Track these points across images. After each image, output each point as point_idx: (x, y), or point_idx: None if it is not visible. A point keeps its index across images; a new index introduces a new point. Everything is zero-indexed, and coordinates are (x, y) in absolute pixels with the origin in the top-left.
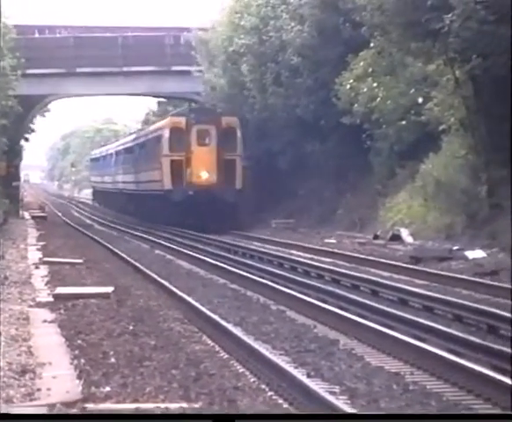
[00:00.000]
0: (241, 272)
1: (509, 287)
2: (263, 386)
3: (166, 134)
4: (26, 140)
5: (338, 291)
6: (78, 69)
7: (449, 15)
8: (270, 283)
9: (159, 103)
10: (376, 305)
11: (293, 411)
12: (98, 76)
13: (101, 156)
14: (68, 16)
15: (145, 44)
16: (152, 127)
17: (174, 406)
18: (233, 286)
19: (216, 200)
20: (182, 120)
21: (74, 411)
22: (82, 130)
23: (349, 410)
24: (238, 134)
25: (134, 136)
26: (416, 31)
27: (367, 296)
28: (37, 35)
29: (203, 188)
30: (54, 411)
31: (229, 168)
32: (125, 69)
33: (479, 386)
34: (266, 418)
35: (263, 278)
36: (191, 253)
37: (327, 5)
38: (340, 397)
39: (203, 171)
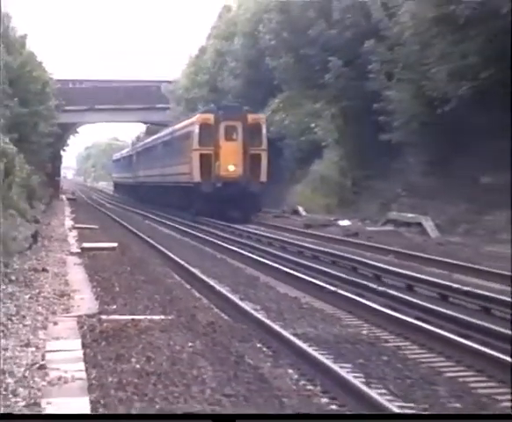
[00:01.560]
0: (201, 235)
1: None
2: (212, 306)
3: (196, 129)
4: (64, 150)
5: (259, 246)
6: (96, 107)
7: (328, 74)
8: (217, 241)
9: (147, 127)
10: (283, 255)
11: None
12: (108, 110)
13: (122, 157)
14: (89, 72)
15: (138, 91)
16: (180, 125)
17: (158, 317)
18: (194, 243)
19: (243, 192)
20: (211, 117)
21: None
22: (98, 144)
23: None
24: (264, 130)
25: (157, 136)
26: (308, 83)
27: (278, 250)
28: (70, 85)
29: (230, 180)
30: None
31: (254, 162)
32: (126, 106)
33: (341, 303)
34: (266, 417)
35: (213, 239)
36: (168, 222)
37: (252, 64)
38: (260, 312)
39: (230, 165)
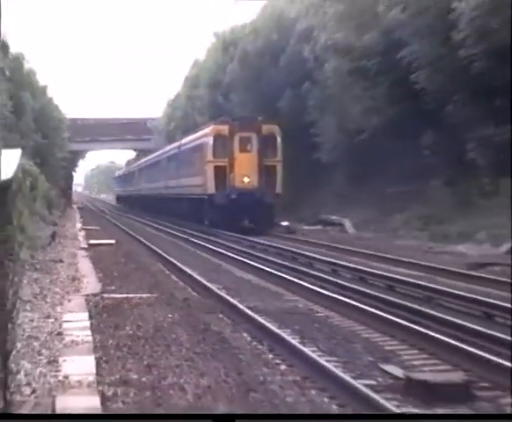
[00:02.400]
0: (179, 234)
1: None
2: (188, 288)
3: (210, 141)
4: (75, 171)
5: (217, 240)
6: (98, 138)
7: (281, 102)
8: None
9: (137, 153)
10: (240, 248)
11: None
12: (107, 141)
13: (123, 174)
14: (93, 112)
15: (130, 126)
16: (190, 138)
17: (146, 295)
18: (181, 243)
19: (257, 204)
20: (225, 128)
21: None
22: (100, 166)
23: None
24: (278, 140)
25: (161, 151)
26: (263, 112)
27: (235, 243)
28: (79, 122)
29: (245, 192)
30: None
31: (269, 173)
32: (120, 137)
33: (283, 284)
34: (267, 417)
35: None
36: (155, 225)
37: (214, 104)
38: (222, 290)
39: (245, 176)
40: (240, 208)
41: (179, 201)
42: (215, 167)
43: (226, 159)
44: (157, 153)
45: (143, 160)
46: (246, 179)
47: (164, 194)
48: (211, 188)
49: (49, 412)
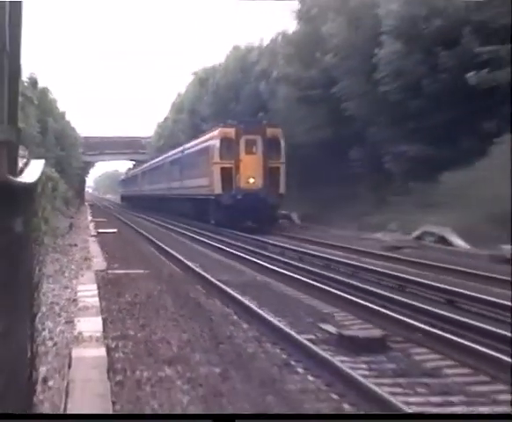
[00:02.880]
0: (173, 227)
1: None
2: (171, 264)
3: (217, 143)
4: (87, 177)
5: (200, 230)
6: (105, 152)
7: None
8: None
9: (134, 163)
10: (205, 233)
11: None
12: (112, 154)
13: (127, 178)
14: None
15: (129, 142)
16: (195, 142)
17: (140, 272)
18: (176, 236)
19: (262, 204)
20: (231, 131)
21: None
22: (106, 173)
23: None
24: (282, 143)
25: (165, 156)
26: None
27: (200, 235)
28: (90, 140)
29: (251, 192)
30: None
31: (273, 174)
32: (122, 151)
33: (246, 263)
34: (267, 417)
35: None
36: (151, 219)
37: (194, 126)
38: (198, 267)
39: (251, 177)
40: (246, 208)
41: (184, 201)
42: (222, 168)
43: (232, 161)
44: (157, 159)
45: (145, 165)
46: (252, 180)
47: (166, 194)
48: (218, 189)
49: (50, 412)
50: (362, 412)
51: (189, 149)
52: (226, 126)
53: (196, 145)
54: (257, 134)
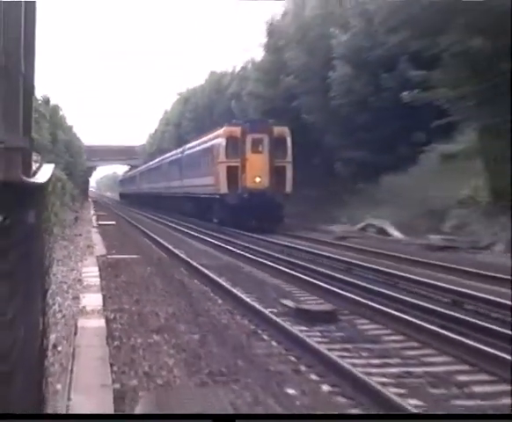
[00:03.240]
0: (165, 221)
1: None
2: (160, 251)
3: (223, 142)
4: (90, 178)
5: (190, 223)
6: (105, 158)
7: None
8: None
9: (130, 167)
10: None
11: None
12: (110, 160)
13: (129, 176)
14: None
15: (125, 149)
16: (198, 141)
17: (134, 257)
18: (172, 231)
19: (268, 203)
20: (237, 130)
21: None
22: (106, 175)
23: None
24: (289, 142)
25: (163, 156)
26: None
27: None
28: (92, 148)
29: (257, 192)
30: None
31: (279, 173)
32: (118, 157)
33: (221, 250)
34: (267, 418)
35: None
36: (143, 213)
37: (180, 139)
38: (182, 254)
39: (257, 177)
40: (251, 207)
41: (184, 200)
42: (228, 167)
43: (238, 160)
44: (155, 160)
45: (143, 167)
46: (258, 179)
47: (162, 193)
48: (224, 188)
49: (50, 412)
50: (362, 412)
51: (191, 149)
52: (231, 125)
53: (199, 145)
54: (263, 132)
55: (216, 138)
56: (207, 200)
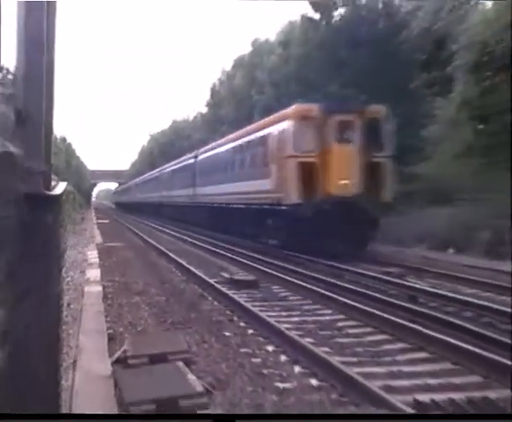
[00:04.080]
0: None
1: None
2: (141, 241)
3: (291, 127)
4: (92, 192)
5: (171, 224)
6: (102, 178)
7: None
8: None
9: (119, 184)
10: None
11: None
12: (106, 180)
13: (128, 186)
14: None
15: (114, 173)
16: (245, 130)
17: (121, 244)
18: (162, 233)
19: (359, 216)
20: (314, 108)
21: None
22: (103, 190)
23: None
24: (387, 127)
25: (162, 168)
26: None
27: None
28: (94, 172)
29: (344, 200)
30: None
31: (375, 173)
32: (112, 178)
33: (191, 245)
34: (267, 418)
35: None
36: (134, 216)
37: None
38: (161, 245)
39: (344, 179)
40: (335, 223)
41: (198, 210)
42: (299, 165)
43: (315, 153)
44: (149, 173)
45: (138, 179)
46: (345, 182)
47: (163, 202)
48: (293, 195)
49: (51, 412)
50: (362, 412)
51: (240, 138)
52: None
53: (253, 132)
54: (353, 113)
55: (278, 122)
56: (253, 212)
